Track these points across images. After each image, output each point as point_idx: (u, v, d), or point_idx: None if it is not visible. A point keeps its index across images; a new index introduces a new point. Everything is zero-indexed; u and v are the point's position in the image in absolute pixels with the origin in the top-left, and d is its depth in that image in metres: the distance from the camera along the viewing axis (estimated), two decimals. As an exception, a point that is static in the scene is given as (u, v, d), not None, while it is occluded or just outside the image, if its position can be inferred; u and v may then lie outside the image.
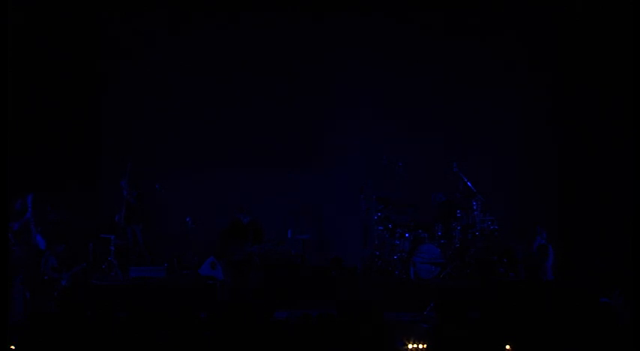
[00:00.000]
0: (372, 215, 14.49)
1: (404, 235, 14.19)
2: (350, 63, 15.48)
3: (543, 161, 15.28)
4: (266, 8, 15.31)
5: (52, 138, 14.94)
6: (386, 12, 15.25)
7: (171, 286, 13.47)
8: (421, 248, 13.97)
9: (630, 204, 9.74)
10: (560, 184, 15.08)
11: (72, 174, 14.81)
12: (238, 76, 15.61)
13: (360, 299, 11.99)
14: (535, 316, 9.89)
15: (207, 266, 13.70)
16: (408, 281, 13.78)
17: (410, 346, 8.75)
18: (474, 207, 14.07)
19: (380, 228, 14.37)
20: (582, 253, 13.79)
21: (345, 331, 8.56)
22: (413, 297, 12.42)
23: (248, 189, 15.20)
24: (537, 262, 13.40)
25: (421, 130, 15.32)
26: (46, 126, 14.87)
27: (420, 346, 8.75)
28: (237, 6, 15.32)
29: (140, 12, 15.31)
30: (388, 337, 8.83)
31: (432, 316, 10.75)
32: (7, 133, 10.32)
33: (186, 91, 15.66)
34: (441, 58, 15.33)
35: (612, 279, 11.66)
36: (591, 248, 13.78)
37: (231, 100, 15.63)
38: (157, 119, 15.61)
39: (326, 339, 8.34)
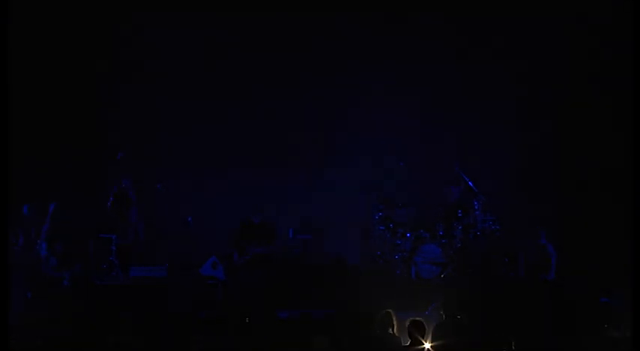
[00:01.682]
0: (373, 215, 14.48)
1: (405, 234, 14.18)
2: (351, 63, 15.48)
3: (544, 161, 15.27)
4: (270, 8, 15.32)
5: (52, 137, 14.94)
6: (390, 14, 15.25)
7: (172, 286, 13.44)
8: (422, 248, 13.96)
9: (631, 203, 9.70)
10: (561, 183, 15.07)
11: (72, 173, 14.78)
12: (241, 76, 15.60)
13: (361, 299, 12.03)
14: (536, 315, 9.91)
15: (209, 266, 13.69)
16: (409, 281, 13.77)
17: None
18: (475, 207, 14.06)
19: (381, 228, 14.37)
20: (583, 253, 13.77)
21: (345, 331, 8.57)
22: (414, 297, 12.41)
23: (249, 189, 15.19)
24: (538, 261, 13.40)
25: (422, 129, 15.33)
26: (45, 125, 14.88)
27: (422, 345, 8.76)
28: (242, 6, 15.33)
29: (143, 12, 15.31)
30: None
31: (434, 316, 10.74)
32: (8, 133, 10.33)
33: (187, 91, 15.65)
34: (442, 59, 15.32)
35: (613, 279, 11.67)
36: (592, 248, 13.76)
37: (232, 100, 15.61)
38: (158, 119, 15.60)
39: (326, 338, 8.34)
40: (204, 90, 15.61)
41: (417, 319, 8.84)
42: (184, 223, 14.58)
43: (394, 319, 8.91)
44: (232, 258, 13.57)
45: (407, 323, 8.79)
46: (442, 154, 14.90)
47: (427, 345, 8.45)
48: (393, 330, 8.83)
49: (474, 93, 15.25)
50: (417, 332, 8.65)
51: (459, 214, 14.09)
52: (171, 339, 8.49)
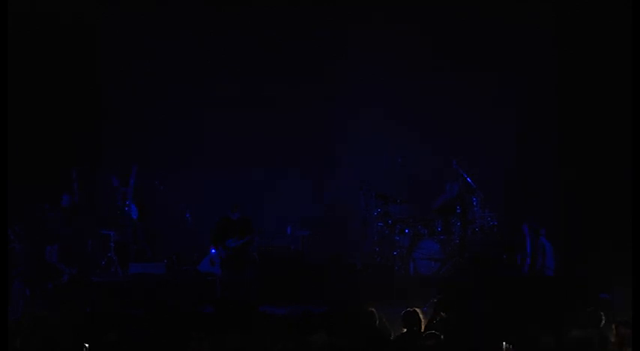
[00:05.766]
0: (371, 211, 14.49)
1: (403, 231, 14.19)
2: (351, 61, 15.48)
3: (544, 157, 15.30)
4: (271, 9, 15.32)
5: (51, 135, 14.94)
6: (388, 16, 15.26)
7: (170, 283, 13.46)
8: (420, 244, 13.98)
9: (631, 199, 9.71)
10: (561, 180, 15.08)
11: (71, 172, 14.76)
12: (241, 76, 15.60)
13: (358, 296, 12.05)
14: (535, 311, 9.91)
15: (207, 262, 13.72)
16: (408, 277, 13.79)
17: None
18: (474, 203, 14.08)
19: (380, 224, 14.38)
20: (582, 250, 13.79)
21: (342, 329, 8.57)
22: (412, 293, 12.40)
23: (249, 187, 15.21)
24: (537, 258, 13.41)
25: (421, 127, 15.34)
26: (45, 124, 14.89)
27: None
28: (243, 7, 15.33)
29: (142, 12, 15.33)
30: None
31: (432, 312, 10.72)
32: (7, 132, 10.34)
33: (187, 90, 15.66)
34: (441, 58, 15.31)
35: (613, 276, 11.68)
36: (591, 245, 13.77)
37: (232, 99, 15.60)
38: (158, 116, 15.61)
39: (325, 335, 8.35)
40: (204, 90, 15.62)
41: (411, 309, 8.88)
42: (183, 219, 14.60)
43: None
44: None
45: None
46: (441, 150, 14.91)
47: None
48: (420, 328, 8.81)
49: (474, 90, 15.27)
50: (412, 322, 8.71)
51: (458, 210, 14.10)
52: (170, 336, 8.47)
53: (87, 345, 7.92)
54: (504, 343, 8.15)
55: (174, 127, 15.64)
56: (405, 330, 8.78)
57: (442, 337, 8.06)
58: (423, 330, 8.73)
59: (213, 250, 13.45)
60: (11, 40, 11.64)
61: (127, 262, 14.07)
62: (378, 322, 8.75)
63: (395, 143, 15.14)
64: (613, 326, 8.37)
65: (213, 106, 15.60)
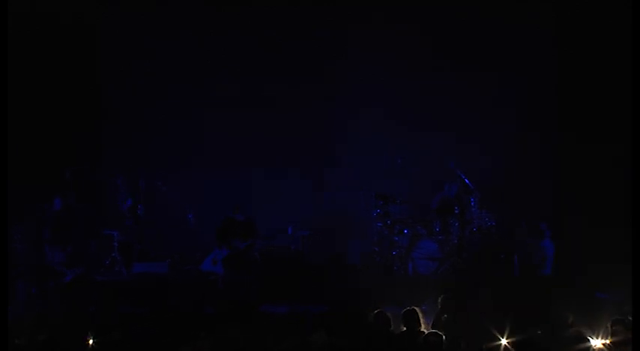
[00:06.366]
0: (371, 211, 14.51)
1: (402, 231, 14.21)
2: (351, 61, 15.49)
3: (542, 157, 15.31)
4: (271, 9, 15.34)
5: (51, 135, 14.96)
6: (388, 16, 15.27)
7: (173, 282, 13.49)
8: (419, 244, 14.01)
9: (631, 199, 9.74)
10: (561, 180, 15.10)
11: (71, 171, 14.78)
12: (241, 76, 15.61)
13: (358, 296, 12.07)
14: (534, 311, 9.94)
15: (209, 262, 13.74)
16: (407, 277, 13.82)
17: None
18: (472, 203, 14.10)
19: (379, 224, 14.40)
20: (582, 250, 13.80)
21: (342, 328, 8.60)
22: (411, 292, 12.43)
23: (249, 187, 15.23)
24: (535, 257, 13.43)
25: (421, 127, 15.35)
26: (45, 124, 14.91)
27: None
28: (243, 7, 15.35)
29: (142, 12, 15.34)
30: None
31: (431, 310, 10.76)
32: (7, 132, 10.35)
33: (187, 90, 15.68)
34: (441, 58, 15.32)
35: (613, 276, 11.70)
36: (592, 244, 13.78)
37: (231, 99, 15.62)
38: (158, 116, 15.62)
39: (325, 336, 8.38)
40: (204, 90, 15.64)
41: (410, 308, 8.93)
42: (185, 219, 14.63)
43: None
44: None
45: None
46: (441, 150, 14.93)
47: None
48: (420, 327, 8.84)
49: (474, 90, 15.28)
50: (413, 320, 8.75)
51: (456, 211, 14.13)
52: (172, 335, 8.51)
53: (91, 343, 7.96)
54: (504, 343, 8.18)
55: (174, 127, 15.67)
56: (405, 328, 8.81)
57: (444, 336, 8.08)
58: (430, 328, 8.77)
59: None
60: (11, 40, 11.64)
61: (131, 262, 14.11)
62: (392, 324, 8.78)
63: (395, 143, 15.16)
64: (608, 325, 8.42)
65: (213, 106, 15.62)
